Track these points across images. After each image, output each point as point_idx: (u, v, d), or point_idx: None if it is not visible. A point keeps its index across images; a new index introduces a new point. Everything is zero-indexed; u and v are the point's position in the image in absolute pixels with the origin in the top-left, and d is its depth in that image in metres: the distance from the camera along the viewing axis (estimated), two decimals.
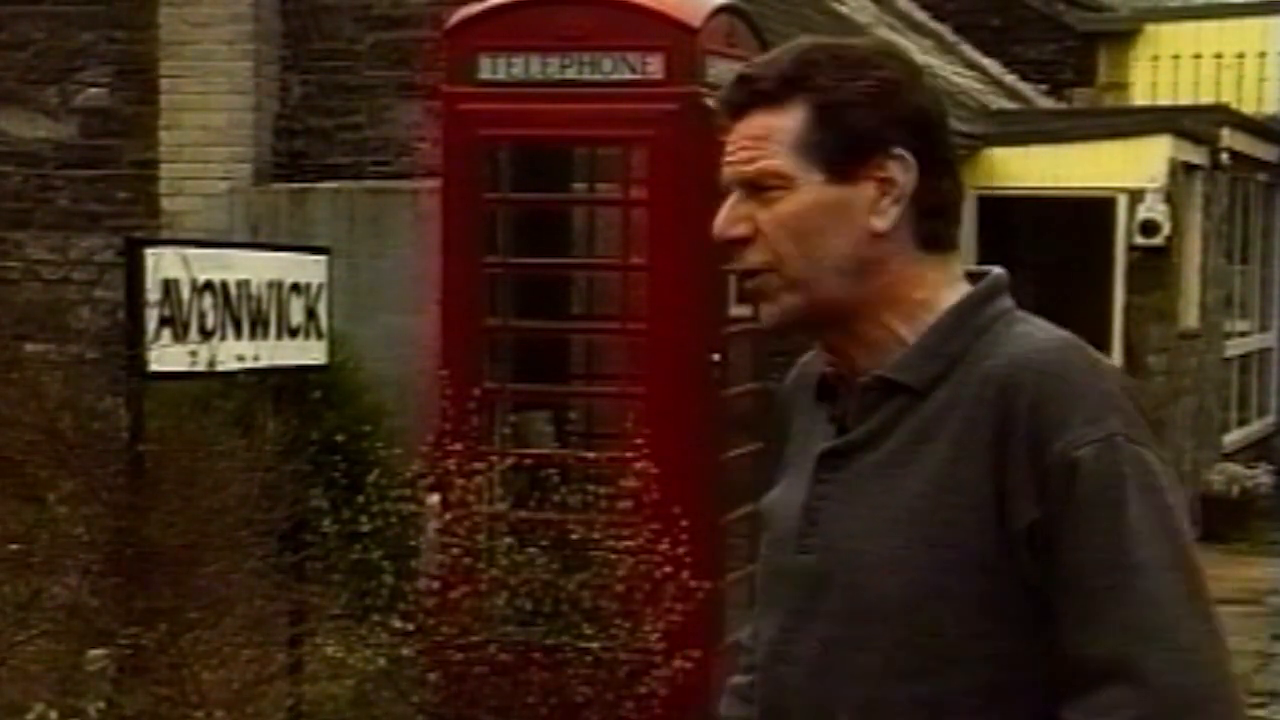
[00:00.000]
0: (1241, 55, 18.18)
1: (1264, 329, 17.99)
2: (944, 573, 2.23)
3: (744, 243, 2.42)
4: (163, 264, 6.56)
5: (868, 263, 2.33)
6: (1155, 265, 14.52)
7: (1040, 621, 2.21)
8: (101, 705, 6.18)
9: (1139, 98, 18.21)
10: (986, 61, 17.76)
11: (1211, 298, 15.78)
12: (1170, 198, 14.32)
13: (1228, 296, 16.66)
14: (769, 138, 2.34)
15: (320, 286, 7.48)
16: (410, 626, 7.13)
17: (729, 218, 2.41)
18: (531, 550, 7.23)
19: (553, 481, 7.38)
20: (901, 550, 2.25)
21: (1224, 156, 15.59)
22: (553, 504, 7.35)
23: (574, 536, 7.23)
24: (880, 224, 2.32)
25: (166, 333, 6.53)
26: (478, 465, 7.42)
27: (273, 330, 7.17)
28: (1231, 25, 18.39)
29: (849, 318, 2.35)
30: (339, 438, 7.79)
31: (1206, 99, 17.36)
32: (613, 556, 7.19)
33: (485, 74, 7.89)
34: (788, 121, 2.33)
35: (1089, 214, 14.52)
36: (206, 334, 6.74)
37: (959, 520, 2.23)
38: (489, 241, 7.98)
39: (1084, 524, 2.19)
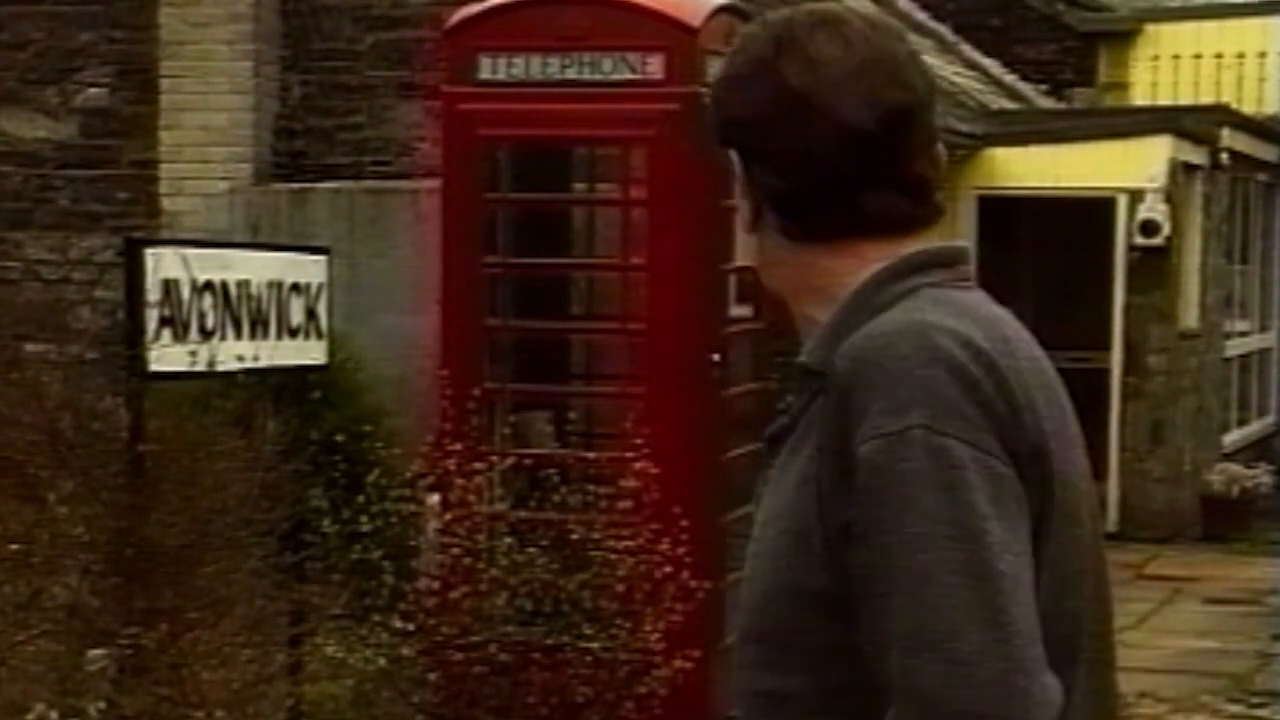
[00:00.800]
0: (1241, 55, 18.18)
1: (1264, 329, 17.99)
2: (790, 567, 2.17)
3: None
4: (163, 264, 6.56)
5: (761, 259, 2.37)
6: (1155, 265, 14.52)
7: None
8: (101, 705, 6.18)
9: (1139, 98, 18.21)
10: (986, 61, 17.76)
11: (1211, 298, 15.78)
12: (1170, 198, 14.33)
13: (1228, 296, 16.66)
14: None
15: (320, 286, 7.48)
16: (410, 626, 7.13)
17: None
18: (531, 550, 7.23)
19: (553, 481, 7.38)
20: (771, 542, 2.22)
21: (1224, 156, 15.59)
22: (553, 504, 7.35)
23: (574, 536, 7.22)
24: (740, 220, 2.37)
25: (166, 333, 6.54)
26: (478, 465, 7.42)
27: (273, 330, 7.17)
28: (1231, 25, 18.39)
29: (784, 308, 2.37)
30: (339, 438, 7.79)
31: (1206, 99, 17.36)
32: (613, 556, 7.19)
33: (485, 74, 7.90)
34: None
35: (1089, 214, 14.53)
36: (206, 334, 6.74)
37: (806, 512, 2.16)
38: (489, 241, 7.98)
39: (869, 524, 2.08)
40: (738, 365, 8.09)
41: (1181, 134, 14.80)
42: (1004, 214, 14.28)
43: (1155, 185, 14.23)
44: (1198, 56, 18.20)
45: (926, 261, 2.26)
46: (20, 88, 12.01)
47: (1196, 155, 15.14)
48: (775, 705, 2.23)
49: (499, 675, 7.14)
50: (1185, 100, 17.52)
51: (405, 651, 7.16)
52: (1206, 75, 18.06)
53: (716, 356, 7.80)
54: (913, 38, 2.45)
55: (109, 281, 10.99)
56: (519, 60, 7.87)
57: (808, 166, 2.25)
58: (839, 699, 2.16)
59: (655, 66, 7.71)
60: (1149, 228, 14.21)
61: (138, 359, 6.47)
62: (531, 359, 8.22)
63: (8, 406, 6.84)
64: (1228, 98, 17.48)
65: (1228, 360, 16.74)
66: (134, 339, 6.48)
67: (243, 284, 6.99)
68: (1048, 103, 18.01)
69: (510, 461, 7.63)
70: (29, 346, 10.25)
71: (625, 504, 7.30)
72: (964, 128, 13.98)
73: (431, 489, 7.46)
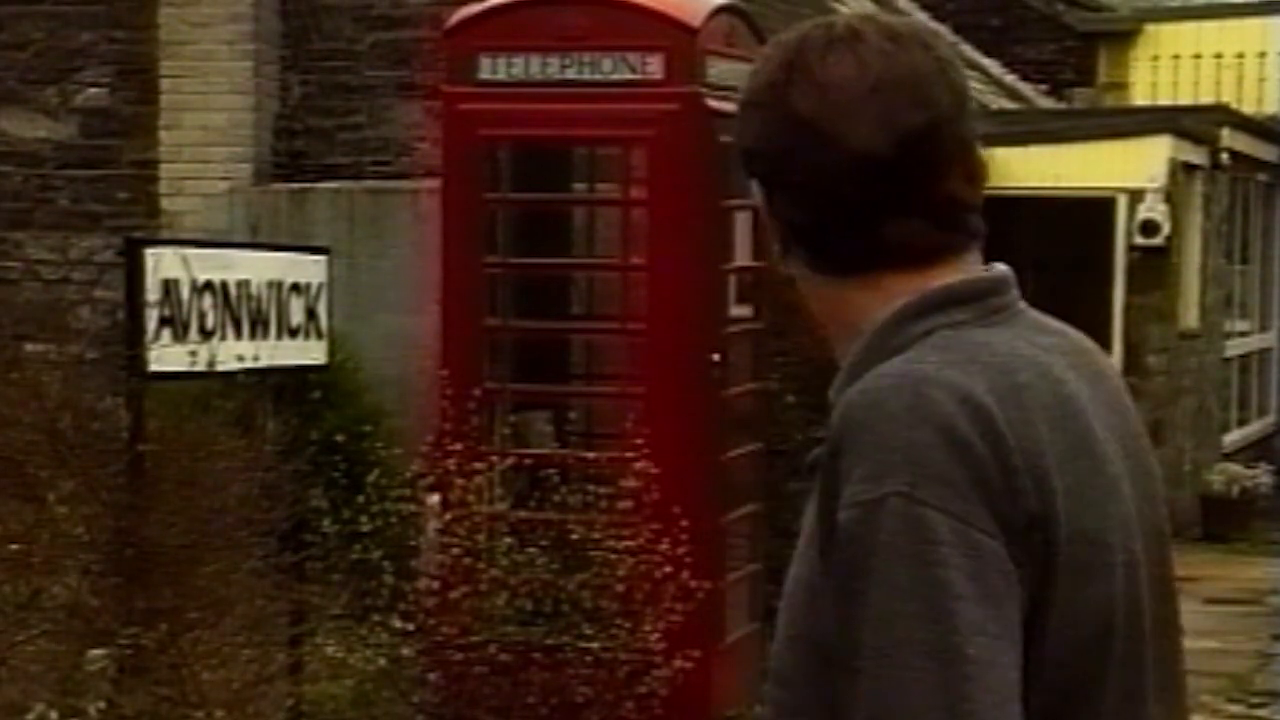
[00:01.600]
0: (1241, 55, 18.18)
1: (1264, 329, 17.98)
2: (805, 617, 2.08)
3: None
4: (163, 264, 6.56)
5: (800, 290, 2.22)
6: (1155, 265, 14.51)
7: None
8: (101, 705, 6.18)
9: (1139, 98, 18.21)
10: (986, 61, 17.76)
11: (1211, 298, 15.78)
12: (1170, 198, 14.32)
13: (1228, 296, 16.66)
14: None
15: (320, 286, 7.48)
16: (410, 626, 7.13)
17: None
18: (531, 550, 7.23)
19: (553, 481, 7.38)
20: (792, 584, 2.12)
21: (1224, 156, 15.59)
22: (553, 504, 7.35)
23: (574, 536, 7.23)
24: (775, 252, 2.23)
25: (166, 333, 6.53)
26: (478, 465, 7.42)
27: (273, 330, 7.17)
28: (1231, 25, 18.40)
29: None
30: (339, 438, 7.79)
31: (1206, 99, 17.36)
32: (613, 556, 7.19)
33: (485, 74, 7.90)
34: None
35: (1089, 214, 14.53)
36: (206, 334, 6.74)
37: (815, 563, 2.06)
38: (489, 241, 7.98)
39: (840, 595, 1.98)
40: (738, 365, 8.09)
41: (1181, 134, 14.79)
42: (1004, 214, 14.23)
43: (1155, 185, 14.22)
44: (1198, 56, 18.20)
45: (946, 299, 2.12)
46: (20, 88, 12.01)
47: (1196, 155, 15.13)
48: None
49: (499, 675, 7.14)
50: (1185, 100, 17.52)
51: (405, 651, 7.16)
52: (1206, 75, 18.07)
53: (716, 356, 7.80)
54: None
55: (109, 281, 10.98)
56: (519, 60, 7.87)
57: (823, 197, 2.12)
58: None
59: (655, 66, 7.71)
60: (1149, 228, 14.20)
61: (138, 359, 6.47)
62: (531, 359, 8.23)
63: (8, 406, 6.84)
64: (1228, 98, 17.49)
65: (1228, 360, 16.74)
66: (134, 339, 6.48)
67: (243, 284, 6.99)
68: (1048, 103, 18.01)
69: (510, 461, 7.64)
70: (29, 346, 10.23)
71: (625, 504, 7.30)
72: None
73: (431, 489, 7.46)
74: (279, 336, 7.21)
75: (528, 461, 7.68)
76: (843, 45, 2.13)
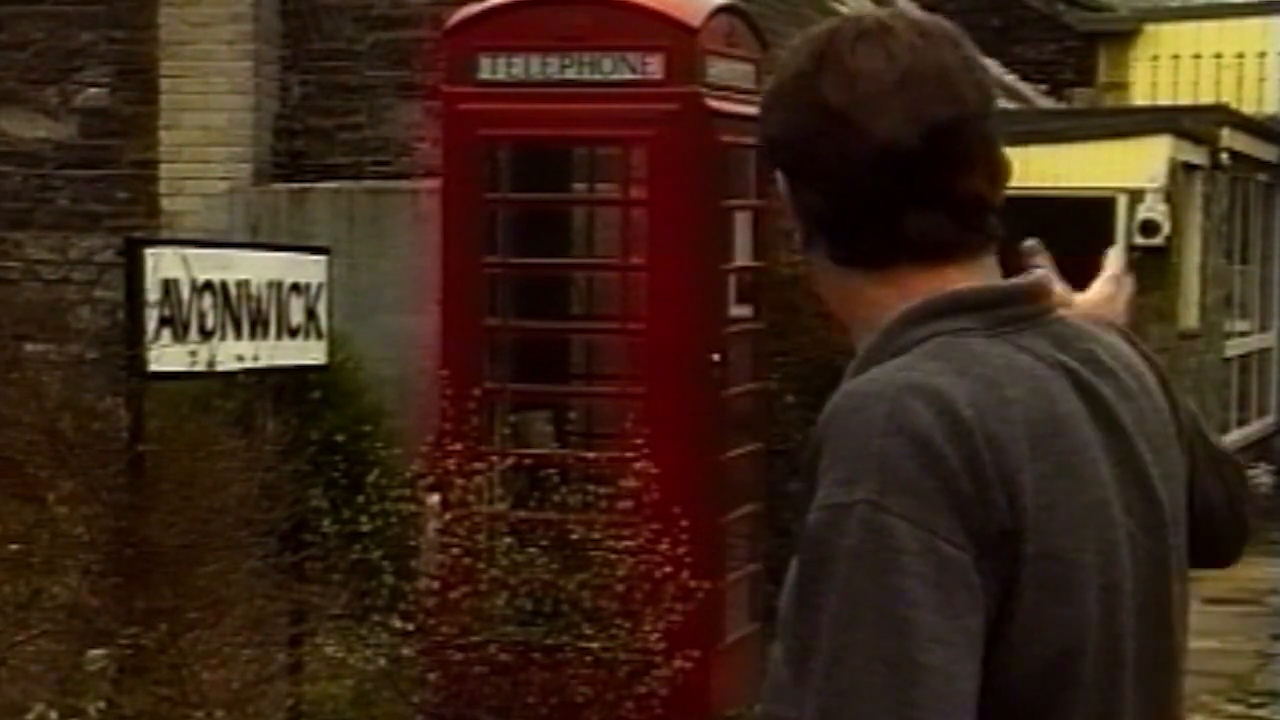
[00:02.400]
0: (1241, 55, 18.18)
1: (1264, 329, 17.98)
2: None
3: None
4: (163, 264, 6.56)
5: (816, 284, 2.23)
6: (1155, 265, 14.51)
7: None
8: (101, 705, 6.18)
9: (1139, 98, 18.21)
10: (986, 61, 17.73)
11: (1211, 298, 15.78)
12: (1170, 198, 14.32)
13: (1228, 296, 16.66)
14: None
15: (320, 286, 7.48)
16: (410, 626, 7.13)
17: None
18: (531, 550, 7.23)
19: (553, 481, 7.38)
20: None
21: (1224, 156, 15.59)
22: (553, 504, 7.35)
23: (574, 536, 7.23)
24: (798, 246, 2.23)
25: (166, 333, 6.53)
26: (478, 465, 7.42)
27: (272, 330, 7.17)
28: (1231, 25, 18.39)
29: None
30: (339, 438, 7.79)
31: (1206, 99, 17.36)
32: (613, 556, 7.19)
33: (485, 74, 7.90)
34: None
35: (1089, 214, 14.52)
36: (206, 334, 6.74)
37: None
38: (489, 241, 7.98)
39: (802, 596, 1.99)
40: (738, 365, 8.09)
41: (1181, 134, 14.79)
42: (1003, 214, 14.25)
43: (1155, 185, 14.22)
44: (1198, 56, 18.20)
45: (951, 306, 2.12)
46: (20, 88, 12.01)
47: (1196, 155, 15.13)
48: None
49: (499, 675, 7.14)
50: (1185, 100, 17.52)
51: (405, 651, 7.16)
52: (1206, 75, 18.07)
53: (716, 356, 7.80)
54: None
55: (109, 281, 10.99)
56: (519, 60, 7.87)
57: (848, 186, 2.13)
58: None
59: (655, 66, 7.71)
60: (1149, 228, 14.20)
61: (138, 359, 6.47)
62: (531, 359, 8.22)
63: (8, 406, 6.84)
64: (1228, 98, 17.48)
65: (1228, 360, 16.74)
66: (134, 339, 6.48)
67: (243, 284, 6.99)
68: (1048, 103, 18.00)
69: (510, 461, 7.64)
70: (29, 346, 10.24)
71: (625, 504, 7.30)
72: None
73: (431, 489, 7.46)
74: (279, 336, 7.21)
75: (528, 461, 7.68)
76: (873, 38, 2.13)
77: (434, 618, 7.18)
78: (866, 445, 1.98)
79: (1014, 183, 2.26)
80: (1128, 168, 14.37)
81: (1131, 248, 14.44)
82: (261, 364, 7.13)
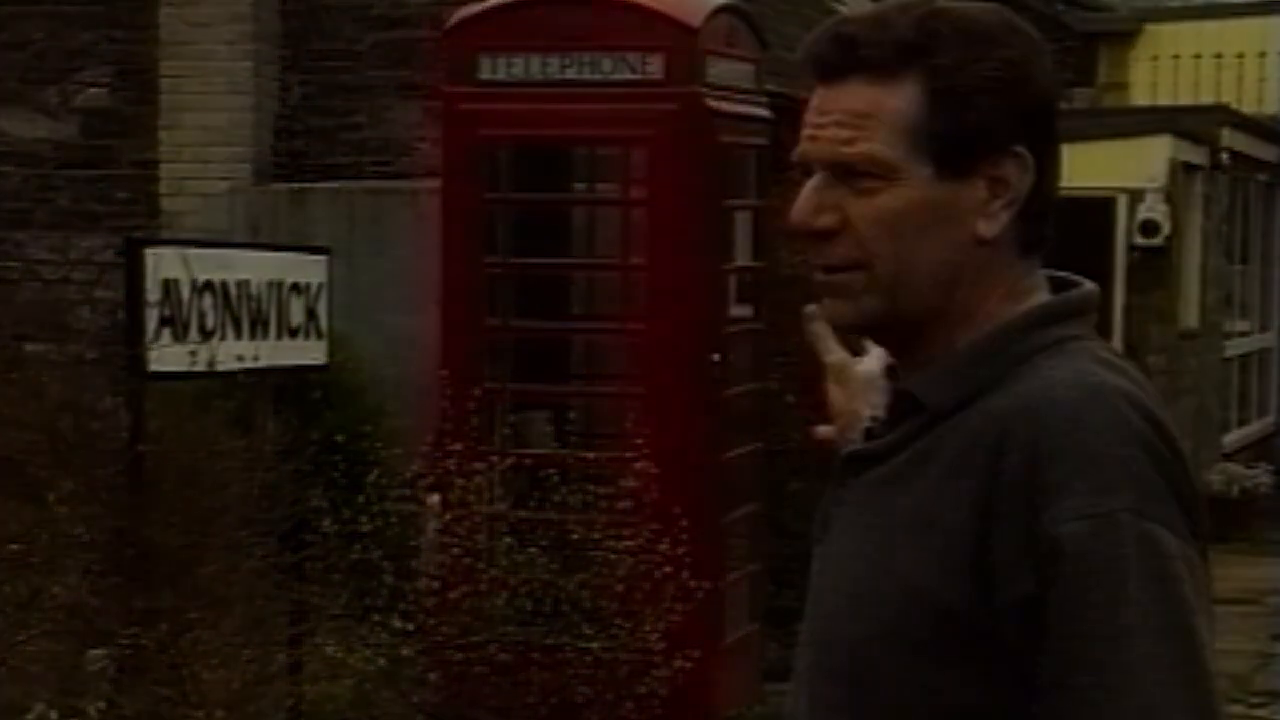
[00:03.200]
0: (1241, 55, 18.18)
1: (1264, 329, 17.98)
2: (900, 614, 1.97)
3: (828, 235, 2.05)
4: (163, 264, 6.56)
5: (964, 270, 2.05)
6: (1155, 265, 14.52)
7: (1017, 686, 1.94)
8: (101, 705, 6.18)
9: (1139, 98, 18.21)
10: None
11: (1211, 298, 15.78)
12: (1170, 198, 14.32)
13: (1228, 296, 16.66)
14: (875, 116, 2.02)
15: (320, 286, 7.48)
16: (410, 626, 7.13)
17: (815, 205, 2.05)
18: (531, 550, 7.24)
19: (553, 481, 7.38)
20: (865, 582, 2.02)
21: (1224, 156, 15.59)
22: (553, 504, 7.35)
23: (574, 536, 7.23)
24: (987, 229, 2.05)
25: (166, 333, 6.54)
26: (478, 465, 7.42)
27: (273, 330, 7.17)
28: (1231, 25, 18.39)
29: (924, 325, 2.06)
30: (339, 438, 7.79)
31: (1206, 99, 17.36)
32: (613, 556, 7.20)
33: (485, 74, 7.90)
34: (899, 101, 2.01)
35: (1089, 214, 14.52)
36: (206, 334, 6.74)
37: (927, 563, 1.96)
38: (489, 241, 7.99)
39: (1067, 610, 1.90)
40: (738, 365, 8.09)
41: (1181, 134, 14.80)
42: None
43: (1155, 185, 14.22)
44: (1198, 56, 18.20)
45: (1067, 310, 2.08)
46: (20, 88, 12.00)
47: (1196, 155, 15.13)
48: None
49: (499, 675, 7.14)
50: (1185, 100, 17.52)
51: (405, 651, 7.16)
52: (1206, 75, 18.06)
53: (716, 356, 7.80)
54: None
55: (109, 281, 10.98)
56: (519, 60, 7.87)
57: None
58: None
59: (655, 66, 7.71)
60: (1149, 228, 14.20)
61: (138, 359, 6.47)
62: (531, 359, 8.22)
63: (8, 406, 6.85)
64: (1228, 98, 17.48)
65: (1228, 360, 16.74)
66: (134, 339, 6.48)
67: (243, 284, 6.99)
68: None
69: (510, 461, 7.64)
70: (29, 346, 10.25)
71: (625, 504, 7.31)
72: None
73: (431, 489, 7.46)
74: (279, 336, 7.21)
75: (528, 461, 7.68)
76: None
77: (434, 618, 7.18)
78: (1108, 450, 1.92)
79: None
80: (1128, 168, 14.37)
81: (1131, 248, 14.45)
82: (261, 364, 7.13)
